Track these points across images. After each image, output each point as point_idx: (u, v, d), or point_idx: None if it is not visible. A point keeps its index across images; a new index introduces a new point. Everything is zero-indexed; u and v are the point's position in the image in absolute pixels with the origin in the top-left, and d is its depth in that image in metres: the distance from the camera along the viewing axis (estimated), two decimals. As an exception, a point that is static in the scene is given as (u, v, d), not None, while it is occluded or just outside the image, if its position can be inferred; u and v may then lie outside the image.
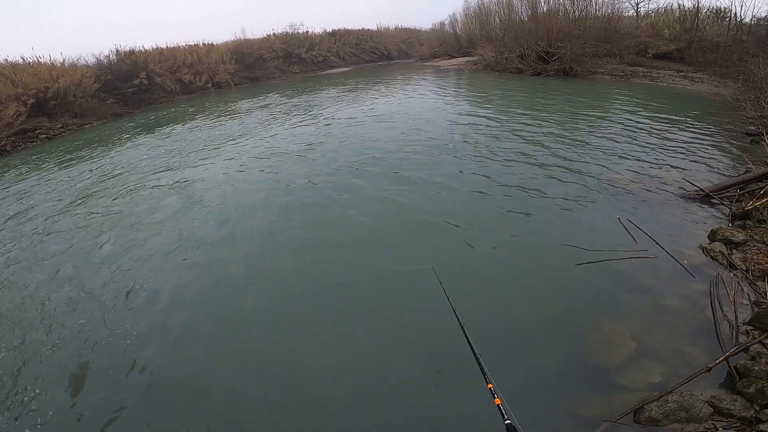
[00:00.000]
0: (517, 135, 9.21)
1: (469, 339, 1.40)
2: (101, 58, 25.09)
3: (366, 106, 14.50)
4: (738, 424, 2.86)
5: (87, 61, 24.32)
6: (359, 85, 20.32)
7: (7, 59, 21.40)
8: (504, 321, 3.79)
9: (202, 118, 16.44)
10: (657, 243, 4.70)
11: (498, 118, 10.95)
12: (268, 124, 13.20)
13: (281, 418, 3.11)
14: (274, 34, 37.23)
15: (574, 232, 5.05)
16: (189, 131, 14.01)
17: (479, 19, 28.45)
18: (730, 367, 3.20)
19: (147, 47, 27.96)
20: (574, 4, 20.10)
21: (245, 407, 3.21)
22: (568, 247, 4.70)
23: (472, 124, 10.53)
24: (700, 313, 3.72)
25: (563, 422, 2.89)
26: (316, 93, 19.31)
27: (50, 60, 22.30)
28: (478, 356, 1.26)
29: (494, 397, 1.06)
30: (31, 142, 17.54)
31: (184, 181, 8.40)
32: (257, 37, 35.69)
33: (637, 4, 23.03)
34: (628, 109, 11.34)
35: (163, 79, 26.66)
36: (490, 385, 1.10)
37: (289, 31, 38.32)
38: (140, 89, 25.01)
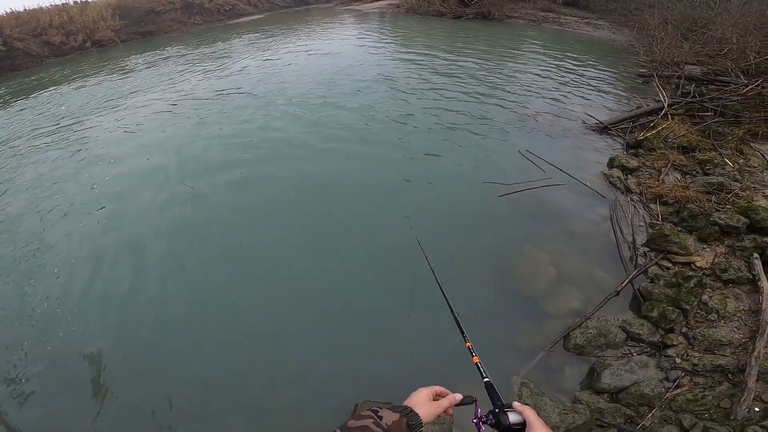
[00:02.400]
0: (439, 76, 9.29)
1: (447, 298, 1.39)
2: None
3: (285, 52, 13.27)
4: (648, 348, 3.05)
5: None
6: (275, 32, 18.44)
7: None
8: (439, 257, 3.89)
9: (86, 78, 13.85)
10: (564, 172, 5.15)
11: (421, 61, 10.88)
12: (173, 77, 11.60)
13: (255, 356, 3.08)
14: (166, -17, 31.60)
15: (493, 169, 5.32)
16: (74, 92, 11.81)
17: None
18: (634, 289, 3.47)
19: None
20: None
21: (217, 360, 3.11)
22: (488, 184, 4.92)
23: (396, 66, 10.42)
24: (605, 237, 4.15)
25: (506, 354, 3.07)
26: (226, 42, 17.19)
27: None
28: (456, 315, 1.26)
29: (473, 356, 1.04)
30: None
31: (84, 141, 7.43)
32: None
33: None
34: (539, 51, 11.90)
35: (25, 43, 21.75)
36: (468, 344, 1.08)
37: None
38: (-6, 54, 20.21)
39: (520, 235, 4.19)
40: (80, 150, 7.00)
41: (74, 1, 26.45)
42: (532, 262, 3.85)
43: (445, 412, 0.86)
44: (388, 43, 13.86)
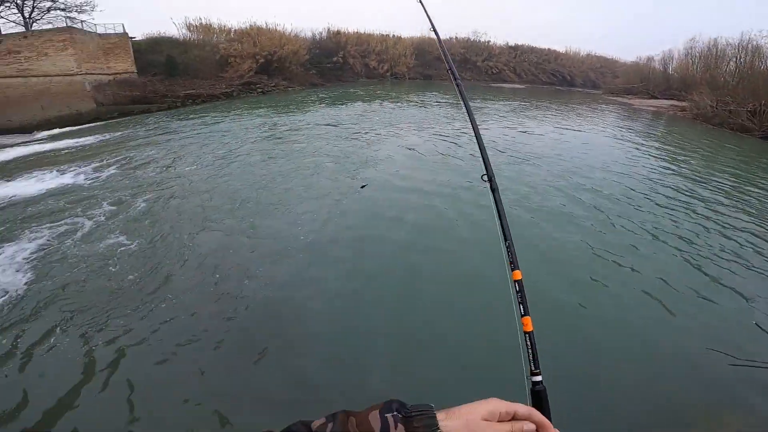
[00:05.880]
0: (708, 212, 6.75)
1: None
2: (316, 33, 29.95)
3: (535, 126, 13.63)
4: None
5: (305, 35, 29.30)
6: (529, 107, 19.27)
7: (255, 23, 27.22)
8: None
9: (381, 101, 18.24)
10: None
11: (687, 187, 8.18)
12: (437, 121, 13.54)
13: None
14: (456, 37, 38.28)
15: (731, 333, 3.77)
16: (371, 110, 15.58)
17: (705, 60, 23.59)
18: None
19: (350, 30, 32.09)
20: None
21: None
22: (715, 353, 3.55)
23: (648, 180, 8.29)
24: None
25: None
26: (486, 103, 19.17)
27: (283, 28, 27.54)
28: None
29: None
30: (251, 92, 22.26)
31: (365, 146, 9.31)
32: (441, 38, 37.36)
33: None
34: None
35: (354, 61, 30.41)
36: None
37: (471, 37, 38.80)
38: (335, 66, 29.02)
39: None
40: (355, 148, 9.08)
41: (393, 35, 34.94)
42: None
43: None
44: (652, 150, 11.54)
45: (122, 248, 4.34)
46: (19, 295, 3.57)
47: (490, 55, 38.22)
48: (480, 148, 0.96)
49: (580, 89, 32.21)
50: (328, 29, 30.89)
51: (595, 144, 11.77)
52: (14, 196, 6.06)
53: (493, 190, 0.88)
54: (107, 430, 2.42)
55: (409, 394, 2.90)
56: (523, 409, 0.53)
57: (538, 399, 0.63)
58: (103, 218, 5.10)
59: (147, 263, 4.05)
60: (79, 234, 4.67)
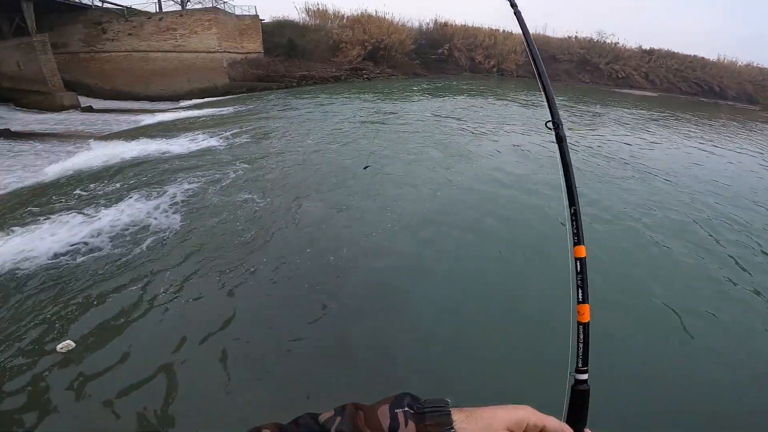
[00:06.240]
0: None
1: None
2: (423, 24, 29.60)
3: (662, 143, 11.20)
4: None
5: (412, 24, 29.13)
6: (664, 118, 16.34)
7: (366, 10, 27.79)
8: None
9: (487, 97, 17.34)
10: None
11: None
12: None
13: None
14: (576, 37, 34.60)
15: None
16: (475, 105, 14.85)
17: None
18: None
19: (457, 23, 31.03)
20: None
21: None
22: None
23: None
24: None
25: None
26: (607, 109, 16.93)
27: (391, 17, 27.82)
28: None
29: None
30: (357, 78, 23.12)
31: (465, 138, 8.91)
32: (557, 36, 34.08)
33: None
34: None
35: (460, 54, 29.47)
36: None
37: (595, 38, 34.69)
38: (440, 58, 28.50)
39: None
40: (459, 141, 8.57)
41: (503, 30, 32.89)
42: None
43: None
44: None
45: (251, 204, 4.98)
46: (170, 235, 4.14)
47: (617, 58, 33.80)
48: (545, 92, 0.84)
49: (731, 103, 26.70)
50: (435, 20, 30.34)
51: (746, 168, 9.56)
52: (170, 152, 7.14)
53: (560, 140, 0.79)
54: (197, 390, 2.44)
55: (453, 382, 2.64)
56: (555, 424, 0.49)
57: (580, 399, 0.56)
58: (241, 173, 6.10)
59: (267, 224, 4.48)
60: (220, 186, 5.58)
